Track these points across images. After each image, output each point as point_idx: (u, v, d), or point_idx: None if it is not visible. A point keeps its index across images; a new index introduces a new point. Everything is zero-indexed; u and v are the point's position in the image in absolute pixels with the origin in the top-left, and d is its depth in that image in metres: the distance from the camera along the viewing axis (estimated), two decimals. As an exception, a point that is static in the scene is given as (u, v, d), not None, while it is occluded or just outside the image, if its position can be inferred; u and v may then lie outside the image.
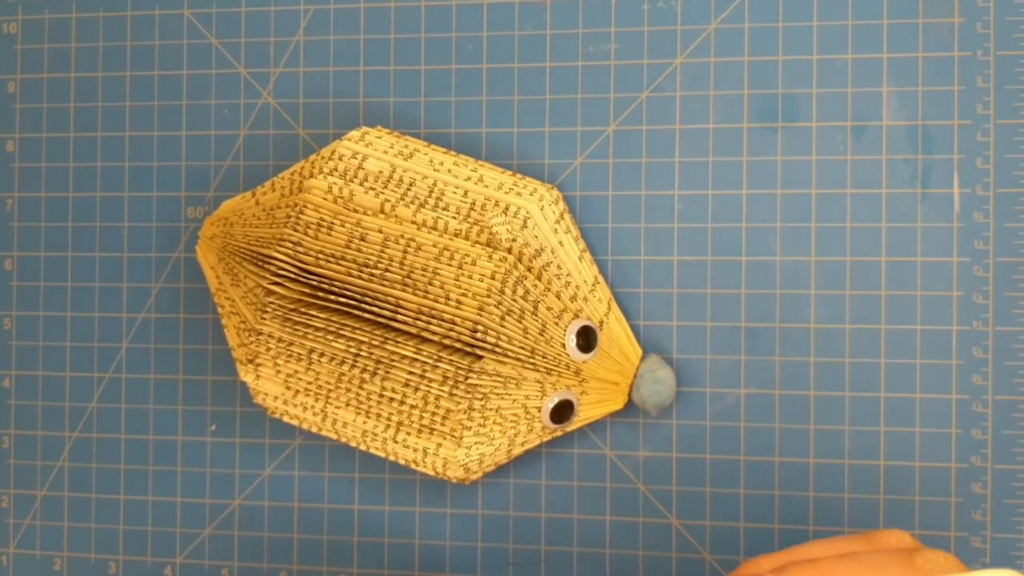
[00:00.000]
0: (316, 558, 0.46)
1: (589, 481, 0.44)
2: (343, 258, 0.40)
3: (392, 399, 0.40)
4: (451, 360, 0.39)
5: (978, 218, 0.42)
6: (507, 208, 0.40)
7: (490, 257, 0.39)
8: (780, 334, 0.43)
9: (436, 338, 0.39)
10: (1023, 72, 0.42)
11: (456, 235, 0.40)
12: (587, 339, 0.41)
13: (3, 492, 0.48)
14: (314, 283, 0.40)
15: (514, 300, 0.39)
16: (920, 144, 0.43)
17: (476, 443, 0.40)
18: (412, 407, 0.40)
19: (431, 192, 0.40)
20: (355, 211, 0.40)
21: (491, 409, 0.40)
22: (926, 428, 0.42)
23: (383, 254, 0.40)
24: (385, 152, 0.41)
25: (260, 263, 0.41)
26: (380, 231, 0.40)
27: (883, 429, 0.43)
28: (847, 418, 0.43)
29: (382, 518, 0.46)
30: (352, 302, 0.40)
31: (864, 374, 0.43)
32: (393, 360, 0.40)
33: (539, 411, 0.41)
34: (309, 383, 0.41)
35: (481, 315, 0.39)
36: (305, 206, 0.40)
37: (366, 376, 0.40)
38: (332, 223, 0.40)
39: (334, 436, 0.42)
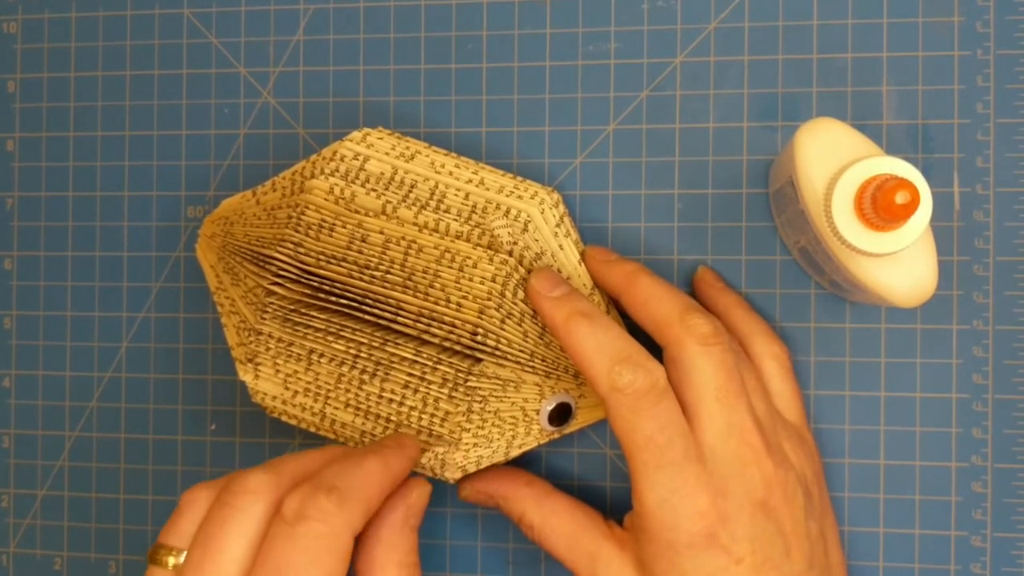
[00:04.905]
0: (317, 557, 0.46)
1: (589, 480, 0.44)
2: (344, 259, 0.40)
3: (391, 400, 0.40)
4: (451, 362, 0.39)
5: (978, 217, 0.42)
6: (508, 211, 0.40)
7: (491, 260, 0.39)
8: (779, 333, 0.43)
9: (436, 340, 0.39)
10: (1023, 71, 0.42)
11: (457, 237, 0.40)
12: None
13: (3, 492, 0.48)
14: (315, 284, 0.40)
15: (514, 303, 0.39)
16: (920, 143, 0.43)
17: (474, 445, 0.40)
18: (411, 409, 0.40)
19: (432, 194, 0.40)
20: (356, 212, 0.40)
21: (490, 412, 0.40)
22: (926, 427, 0.42)
23: (384, 256, 0.40)
24: (387, 153, 0.41)
25: (261, 263, 0.41)
26: (381, 233, 0.40)
27: (883, 428, 0.43)
28: (847, 417, 0.43)
29: (382, 517, 0.46)
30: (353, 303, 0.40)
31: (864, 372, 0.43)
32: (393, 362, 0.40)
33: (537, 414, 0.41)
34: (308, 383, 0.41)
35: (481, 318, 0.39)
36: (306, 207, 0.40)
37: (365, 377, 0.40)
38: (333, 224, 0.40)
39: (332, 437, 0.42)
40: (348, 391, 0.41)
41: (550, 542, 0.39)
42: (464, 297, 0.39)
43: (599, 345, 0.37)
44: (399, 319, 0.39)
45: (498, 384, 0.40)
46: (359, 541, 0.36)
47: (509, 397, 0.40)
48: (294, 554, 0.32)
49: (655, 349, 0.38)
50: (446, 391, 0.39)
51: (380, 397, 0.40)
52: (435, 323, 0.39)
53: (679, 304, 0.38)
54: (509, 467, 0.42)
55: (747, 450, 0.36)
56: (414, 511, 0.37)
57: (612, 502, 0.44)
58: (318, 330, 0.40)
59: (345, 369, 0.40)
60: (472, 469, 0.41)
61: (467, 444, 0.40)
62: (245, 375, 0.42)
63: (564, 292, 0.39)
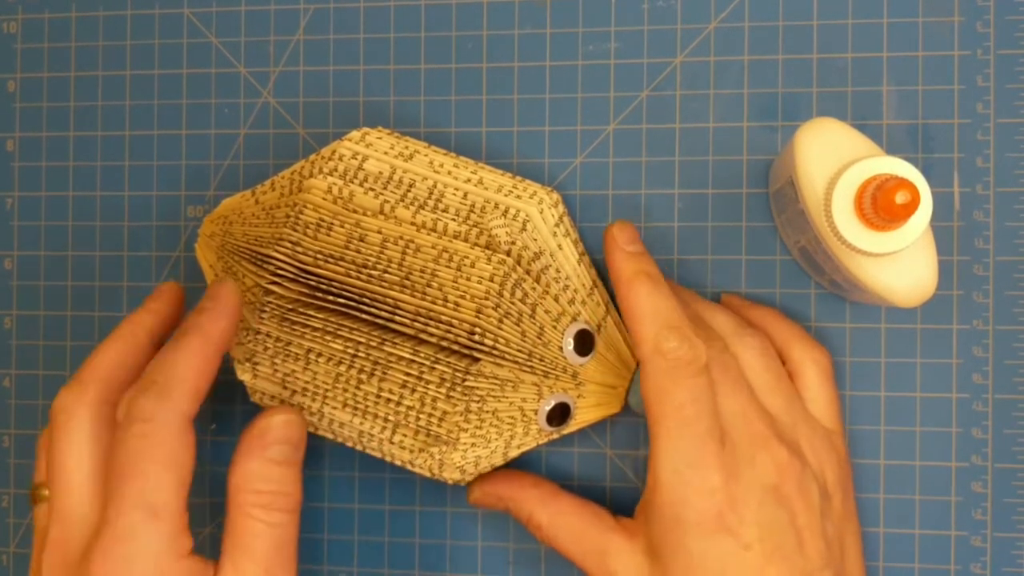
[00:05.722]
0: (317, 557, 0.46)
1: (589, 480, 0.44)
2: (342, 259, 0.40)
3: (389, 400, 0.40)
4: (448, 362, 0.39)
5: (978, 217, 0.42)
6: (506, 211, 0.40)
7: (489, 259, 0.39)
8: (780, 333, 0.43)
9: (434, 340, 0.39)
10: (1023, 71, 0.42)
11: (455, 237, 0.40)
12: (584, 342, 0.41)
13: (3, 492, 0.48)
14: (312, 283, 0.40)
15: (512, 303, 0.39)
16: (920, 143, 0.43)
17: (472, 445, 0.40)
18: (409, 408, 0.40)
19: (431, 194, 0.40)
20: (354, 212, 0.40)
21: (488, 411, 0.40)
22: (926, 427, 0.42)
23: (382, 255, 0.40)
24: (385, 153, 0.41)
25: (259, 262, 0.41)
26: (379, 232, 0.40)
27: (883, 428, 0.43)
28: (848, 417, 0.43)
29: (382, 517, 0.46)
30: (350, 303, 0.40)
31: (864, 372, 0.43)
32: (390, 361, 0.40)
33: (535, 414, 0.41)
34: (306, 383, 0.41)
35: (479, 317, 0.39)
36: (305, 206, 0.40)
37: (363, 377, 0.40)
38: (331, 223, 0.40)
39: (330, 436, 0.42)
40: (346, 391, 0.41)
41: (558, 541, 0.40)
42: (462, 296, 0.39)
43: (656, 309, 0.37)
44: (396, 318, 0.39)
45: (496, 384, 0.40)
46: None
47: (507, 397, 0.40)
48: (131, 455, 0.34)
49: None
50: (444, 391, 0.39)
51: (378, 397, 0.40)
52: (432, 322, 0.39)
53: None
54: (516, 470, 0.43)
55: (759, 438, 0.37)
56: (269, 438, 0.37)
57: (612, 502, 0.44)
58: (316, 329, 0.40)
59: (343, 368, 0.40)
60: (471, 469, 0.41)
61: (465, 444, 0.40)
62: (243, 374, 0.42)
63: (639, 250, 0.39)
